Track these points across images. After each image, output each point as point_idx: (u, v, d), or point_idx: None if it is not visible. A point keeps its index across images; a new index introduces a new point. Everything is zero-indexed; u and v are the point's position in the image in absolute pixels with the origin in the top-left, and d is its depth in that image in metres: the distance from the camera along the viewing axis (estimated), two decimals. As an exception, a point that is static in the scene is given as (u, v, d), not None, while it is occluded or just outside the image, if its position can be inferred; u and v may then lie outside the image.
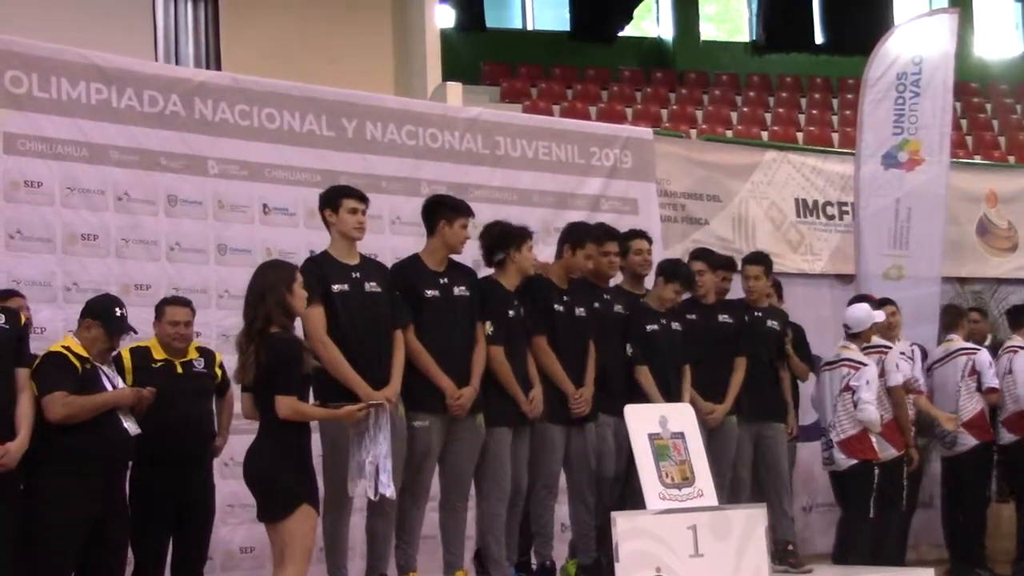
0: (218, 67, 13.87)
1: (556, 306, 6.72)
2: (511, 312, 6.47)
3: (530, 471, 6.64)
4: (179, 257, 7.10)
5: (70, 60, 6.88)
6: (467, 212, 6.41)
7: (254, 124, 7.46)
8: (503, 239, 6.55)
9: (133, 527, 5.84)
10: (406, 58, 15.77)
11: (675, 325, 7.18)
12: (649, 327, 7.06)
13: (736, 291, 7.92)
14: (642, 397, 6.92)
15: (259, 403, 5.24)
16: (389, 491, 5.65)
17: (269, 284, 5.26)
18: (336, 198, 6.09)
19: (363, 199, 6.12)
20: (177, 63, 13.79)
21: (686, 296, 7.38)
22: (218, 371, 6.39)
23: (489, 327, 6.37)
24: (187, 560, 6.19)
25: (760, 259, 7.98)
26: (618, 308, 7.07)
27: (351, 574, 6.04)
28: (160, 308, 6.24)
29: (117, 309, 5.76)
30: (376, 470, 5.58)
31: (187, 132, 7.20)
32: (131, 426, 5.66)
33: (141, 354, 6.12)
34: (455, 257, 6.44)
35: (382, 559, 6.04)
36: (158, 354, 6.16)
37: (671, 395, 7.00)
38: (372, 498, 5.69)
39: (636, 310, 7.13)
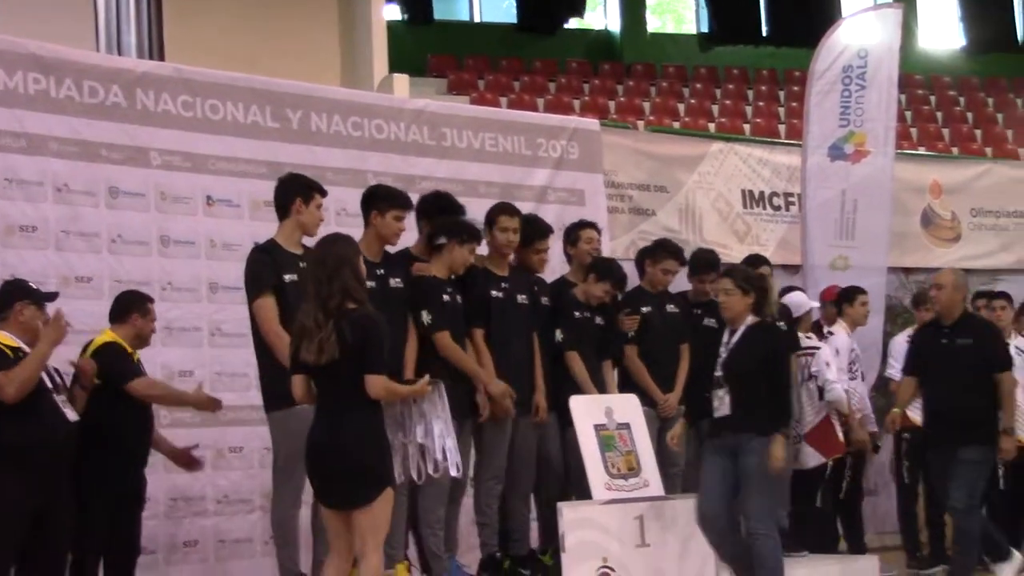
0: (161, 57, 13.68)
1: (494, 292, 6.72)
2: (446, 297, 6.46)
3: (480, 463, 6.65)
4: (121, 249, 6.97)
5: (7, 49, 6.74)
6: (401, 204, 6.38)
7: (197, 115, 7.35)
8: (453, 227, 6.52)
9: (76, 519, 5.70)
10: (352, 50, 15.69)
11: (598, 320, 7.21)
12: (577, 314, 7.11)
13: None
14: (572, 383, 6.94)
15: (341, 383, 4.99)
16: (456, 471, 5.60)
17: (343, 257, 5.08)
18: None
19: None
20: (119, 53, 13.60)
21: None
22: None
23: (426, 316, 6.35)
24: (122, 551, 6.08)
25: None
26: (544, 301, 7.10)
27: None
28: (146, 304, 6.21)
29: (29, 283, 5.79)
30: (424, 450, 5.46)
31: (129, 123, 7.07)
32: (69, 412, 5.58)
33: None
34: (390, 249, 6.46)
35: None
36: None
37: (598, 384, 7.06)
38: (434, 475, 5.54)
39: (565, 298, 7.16)
